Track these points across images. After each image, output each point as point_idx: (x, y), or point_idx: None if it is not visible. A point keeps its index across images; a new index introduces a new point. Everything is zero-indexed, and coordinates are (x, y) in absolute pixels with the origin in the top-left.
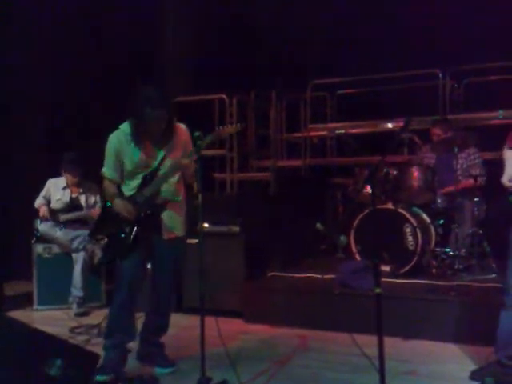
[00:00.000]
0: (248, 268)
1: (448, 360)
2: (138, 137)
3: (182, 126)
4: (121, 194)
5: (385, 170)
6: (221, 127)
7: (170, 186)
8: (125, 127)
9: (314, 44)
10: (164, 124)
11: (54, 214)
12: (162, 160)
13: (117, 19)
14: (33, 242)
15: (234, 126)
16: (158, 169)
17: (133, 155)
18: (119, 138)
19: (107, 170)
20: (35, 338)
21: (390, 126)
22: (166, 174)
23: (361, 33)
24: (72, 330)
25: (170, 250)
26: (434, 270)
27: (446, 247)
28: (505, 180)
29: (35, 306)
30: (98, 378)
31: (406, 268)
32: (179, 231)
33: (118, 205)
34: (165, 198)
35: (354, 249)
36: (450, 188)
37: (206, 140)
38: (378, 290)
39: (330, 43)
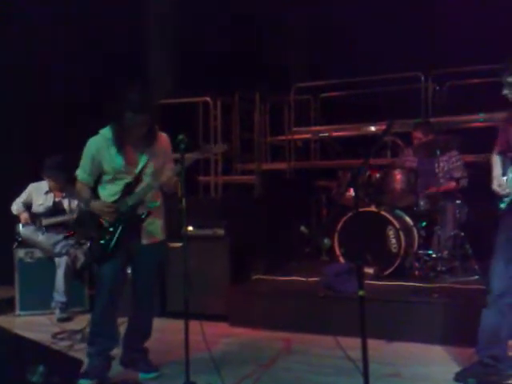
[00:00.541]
0: (233, 271)
1: (432, 362)
2: (119, 141)
3: (164, 135)
4: (95, 197)
5: (367, 172)
6: (207, 146)
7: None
8: (105, 132)
9: (298, 46)
10: (146, 128)
11: (36, 218)
12: (145, 165)
13: (102, 20)
14: (14, 246)
15: (220, 145)
16: (140, 175)
17: (113, 160)
18: (98, 142)
19: (81, 173)
20: (17, 343)
21: (373, 129)
22: (150, 185)
23: (344, 36)
24: (55, 335)
25: (150, 254)
26: (416, 272)
27: (428, 249)
28: (495, 186)
29: (17, 312)
30: (82, 382)
31: (390, 270)
32: (159, 235)
33: (96, 206)
34: (148, 207)
35: (337, 251)
36: (433, 189)
37: (192, 157)
38: (361, 293)
39: (313, 46)
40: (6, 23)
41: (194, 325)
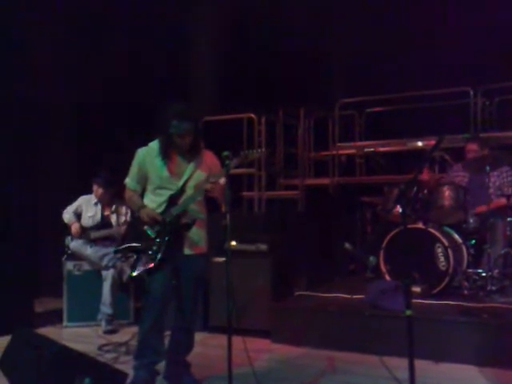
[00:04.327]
0: (275, 287)
1: None
2: (165, 150)
3: (209, 152)
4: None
5: (415, 188)
6: (246, 152)
7: (194, 205)
8: (153, 144)
9: (342, 61)
10: (191, 138)
11: (84, 231)
12: (189, 177)
13: (146, 37)
14: (63, 258)
15: (259, 150)
16: (184, 187)
17: (158, 170)
18: (145, 152)
19: (130, 181)
20: (65, 355)
21: (419, 144)
22: (194, 195)
23: (390, 50)
24: (100, 347)
25: (193, 264)
26: (465, 292)
27: (478, 268)
28: None
29: (65, 323)
30: None
31: (438, 289)
32: (202, 246)
33: (144, 213)
34: (192, 216)
35: (383, 269)
36: (483, 207)
37: (231, 164)
38: (408, 312)
39: (358, 61)
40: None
41: (237, 340)
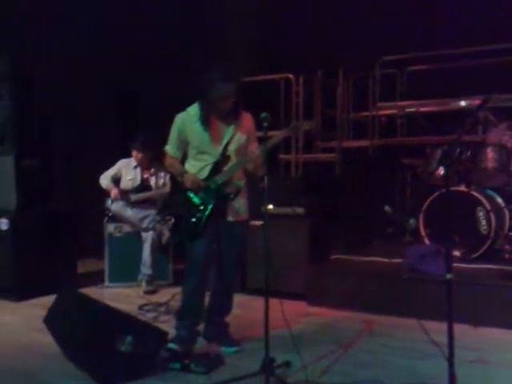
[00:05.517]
0: (312, 250)
1: None
2: (205, 114)
3: (248, 114)
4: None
5: (458, 150)
6: (296, 123)
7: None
8: (192, 109)
9: (383, 18)
10: (232, 100)
11: (124, 194)
12: (229, 141)
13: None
14: (105, 221)
15: (309, 122)
16: (225, 151)
17: (199, 134)
18: (184, 118)
19: (170, 148)
20: (108, 314)
21: (463, 103)
22: (239, 163)
23: (433, 6)
24: (141, 307)
25: (235, 231)
26: (507, 255)
27: None
28: None
29: (106, 283)
30: (170, 345)
31: (478, 253)
32: (244, 214)
33: (188, 179)
34: (236, 185)
35: (422, 232)
36: None
37: (282, 134)
38: (449, 276)
39: (400, 17)
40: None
41: (274, 302)
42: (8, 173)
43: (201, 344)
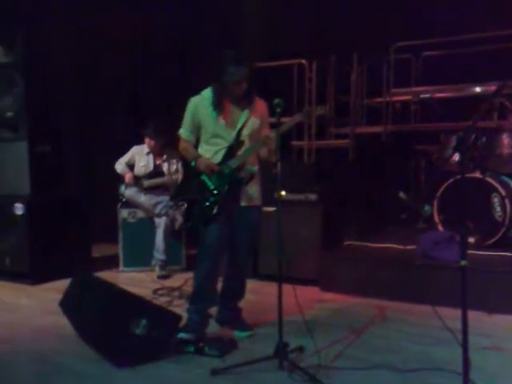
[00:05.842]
0: (324, 236)
1: None
2: (219, 98)
3: (261, 100)
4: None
5: (473, 136)
6: (310, 108)
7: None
8: (205, 92)
9: (398, 3)
10: (245, 85)
11: (137, 180)
12: (243, 126)
13: None
14: (118, 206)
15: (321, 107)
16: (239, 136)
17: (213, 118)
18: (197, 101)
19: (184, 132)
20: (122, 297)
21: (478, 89)
22: (253, 147)
23: None
24: (155, 291)
25: (248, 216)
26: None
27: None
28: None
29: (120, 268)
30: (181, 335)
31: (493, 240)
32: (257, 199)
33: (201, 163)
34: (249, 170)
35: (436, 219)
36: None
37: (294, 120)
38: (463, 263)
39: (415, 2)
40: None
41: (287, 288)
42: (22, 159)
43: (214, 329)
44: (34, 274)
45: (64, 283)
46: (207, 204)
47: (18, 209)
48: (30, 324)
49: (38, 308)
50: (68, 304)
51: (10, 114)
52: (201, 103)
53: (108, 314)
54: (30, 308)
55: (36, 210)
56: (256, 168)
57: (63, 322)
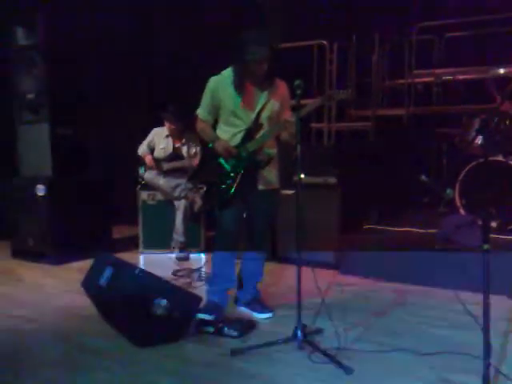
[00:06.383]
0: (344, 220)
1: None
2: (239, 78)
3: (282, 82)
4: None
5: (496, 119)
6: (331, 91)
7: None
8: (226, 72)
9: None
10: (266, 65)
11: (157, 162)
12: (263, 107)
13: None
14: (138, 188)
15: (345, 91)
16: (258, 117)
17: (233, 99)
18: (217, 80)
19: (202, 112)
20: (143, 277)
21: (502, 71)
22: (271, 130)
23: None
24: (175, 273)
25: (266, 199)
26: None
27: None
28: None
29: (140, 249)
30: (201, 315)
31: None
32: (275, 183)
33: (219, 145)
34: (267, 153)
35: (458, 203)
36: None
37: (316, 102)
38: (486, 247)
39: None
40: None
41: (305, 271)
42: (43, 140)
43: (233, 310)
44: (56, 255)
45: (85, 263)
46: (223, 187)
47: (40, 190)
48: (53, 303)
49: (61, 288)
50: (90, 284)
51: (31, 96)
52: (221, 82)
53: (129, 295)
54: (53, 288)
55: (58, 192)
56: (274, 151)
57: (85, 301)
